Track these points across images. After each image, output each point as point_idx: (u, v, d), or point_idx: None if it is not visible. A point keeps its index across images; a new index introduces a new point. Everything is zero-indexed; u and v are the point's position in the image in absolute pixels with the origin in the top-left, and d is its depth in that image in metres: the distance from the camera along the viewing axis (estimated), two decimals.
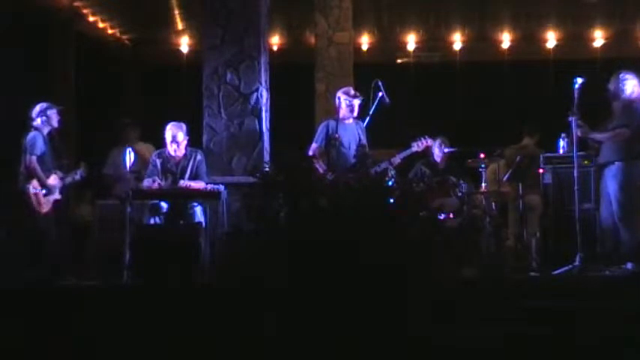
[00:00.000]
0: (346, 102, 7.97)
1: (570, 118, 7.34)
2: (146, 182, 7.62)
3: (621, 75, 7.47)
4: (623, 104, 7.42)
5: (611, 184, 7.38)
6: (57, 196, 7.76)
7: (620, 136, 7.35)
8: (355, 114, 8.04)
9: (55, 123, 7.87)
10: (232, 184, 7.67)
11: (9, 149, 7.93)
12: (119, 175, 8.51)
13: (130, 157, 7.82)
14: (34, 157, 7.64)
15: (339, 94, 8.09)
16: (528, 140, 9.30)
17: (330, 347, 4.54)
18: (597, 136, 7.49)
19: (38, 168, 7.65)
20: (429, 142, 8.19)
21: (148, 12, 11.39)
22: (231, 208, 7.43)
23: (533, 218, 8.61)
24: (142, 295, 5.99)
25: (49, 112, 7.83)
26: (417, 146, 8.06)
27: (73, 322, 5.49)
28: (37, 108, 7.82)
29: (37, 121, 7.78)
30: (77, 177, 8.01)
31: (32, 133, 7.72)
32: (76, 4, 10.58)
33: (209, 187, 7.52)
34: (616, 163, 7.36)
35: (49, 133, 7.87)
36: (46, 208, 7.65)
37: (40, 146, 7.69)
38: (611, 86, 7.49)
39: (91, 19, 11.10)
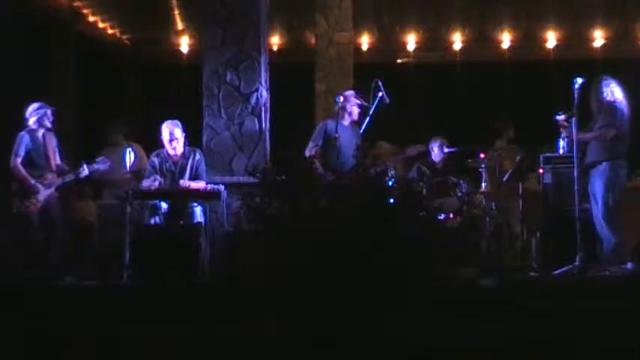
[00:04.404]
0: (356, 105, 8.05)
1: (569, 118, 7.42)
2: (146, 182, 7.61)
3: (602, 80, 7.57)
4: (606, 106, 7.49)
5: (597, 183, 7.42)
6: (46, 195, 7.67)
7: (605, 135, 7.41)
8: (356, 117, 8.10)
9: (47, 124, 7.80)
10: (232, 184, 7.67)
11: (8, 149, 7.92)
12: (109, 177, 8.47)
13: (129, 157, 7.80)
14: (18, 159, 7.64)
15: (350, 96, 8.12)
16: (500, 142, 9.35)
17: (329, 347, 4.54)
18: (583, 136, 7.52)
19: (20, 168, 7.63)
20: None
21: (148, 12, 11.39)
22: (231, 208, 7.43)
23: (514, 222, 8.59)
24: (142, 295, 5.99)
25: (41, 113, 7.78)
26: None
27: (72, 322, 5.49)
28: (30, 108, 7.79)
29: (30, 121, 7.76)
30: (82, 174, 7.88)
31: (20, 133, 7.72)
32: (76, 4, 10.58)
33: (209, 187, 7.52)
34: (603, 163, 7.43)
35: (49, 130, 7.84)
36: (32, 207, 7.60)
37: (24, 147, 7.66)
38: (592, 91, 7.55)
39: (91, 19, 11.10)
